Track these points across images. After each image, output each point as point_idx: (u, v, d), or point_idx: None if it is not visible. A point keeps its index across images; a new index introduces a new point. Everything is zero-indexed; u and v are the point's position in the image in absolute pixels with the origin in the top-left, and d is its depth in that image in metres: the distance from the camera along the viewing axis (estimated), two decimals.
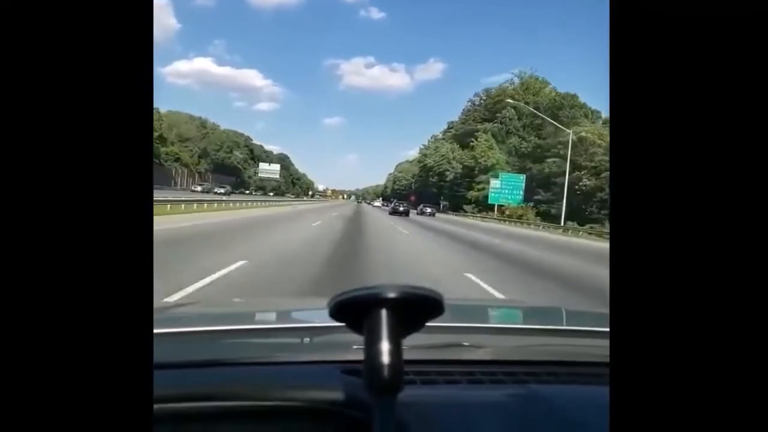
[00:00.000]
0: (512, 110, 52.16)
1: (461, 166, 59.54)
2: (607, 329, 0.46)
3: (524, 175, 44.02)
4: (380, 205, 74.82)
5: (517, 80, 54.56)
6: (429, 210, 39.22)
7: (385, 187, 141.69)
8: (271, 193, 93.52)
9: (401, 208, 33.66)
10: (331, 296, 0.44)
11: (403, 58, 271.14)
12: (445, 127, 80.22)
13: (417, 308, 0.44)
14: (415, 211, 39.88)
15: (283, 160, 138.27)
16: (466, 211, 51.17)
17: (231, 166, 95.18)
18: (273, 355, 0.80)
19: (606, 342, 0.48)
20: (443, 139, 73.62)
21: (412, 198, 71.19)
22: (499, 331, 1.14)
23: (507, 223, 36.53)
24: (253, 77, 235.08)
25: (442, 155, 63.60)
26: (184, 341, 0.89)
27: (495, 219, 41.61)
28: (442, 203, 64.15)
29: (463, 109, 66.29)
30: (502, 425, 0.60)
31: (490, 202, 45.10)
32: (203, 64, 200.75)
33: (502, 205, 44.20)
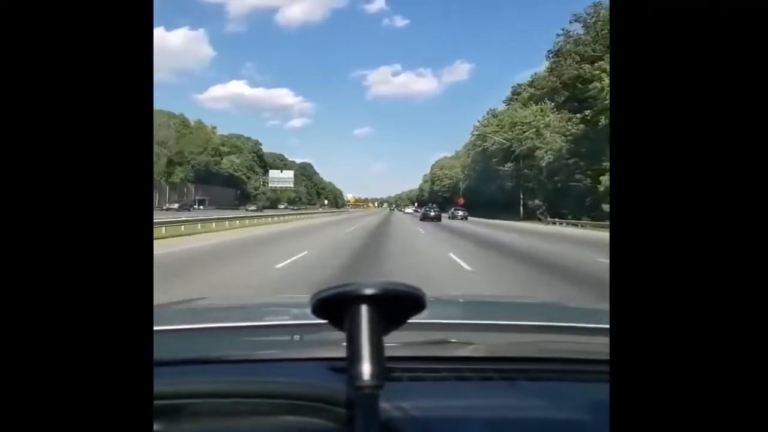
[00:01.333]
0: None
1: (564, 139, 34.92)
2: (598, 325, 0.47)
3: None
4: (412, 211, 69.30)
5: None
6: (461, 213, 39.29)
7: (421, 191, 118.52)
8: (282, 205, 72.71)
9: (432, 213, 33.64)
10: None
11: (429, 63, 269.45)
12: (509, 93, 55.72)
13: (397, 304, 0.44)
14: (447, 215, 40.25)
15: (305, 169, 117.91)
16: None
17: (224, 175, 73.76)
18: (263, 353, 0.80)
19: (596, 338, 0.48)
20: (507, 110, 49.08)
21: (461, 201, 47.50)
22: (488, 327, 1.10)
23: None
24: (284, 95, 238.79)
25: (528, 123, 39.00)
26: (172, 339, 0.90)
27: None
28: (533, 204, 39.49)
29: (549, 52, 40.43)
30: (489, 422, 0.59)
31: None
32: (237, 87, 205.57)
33: None
